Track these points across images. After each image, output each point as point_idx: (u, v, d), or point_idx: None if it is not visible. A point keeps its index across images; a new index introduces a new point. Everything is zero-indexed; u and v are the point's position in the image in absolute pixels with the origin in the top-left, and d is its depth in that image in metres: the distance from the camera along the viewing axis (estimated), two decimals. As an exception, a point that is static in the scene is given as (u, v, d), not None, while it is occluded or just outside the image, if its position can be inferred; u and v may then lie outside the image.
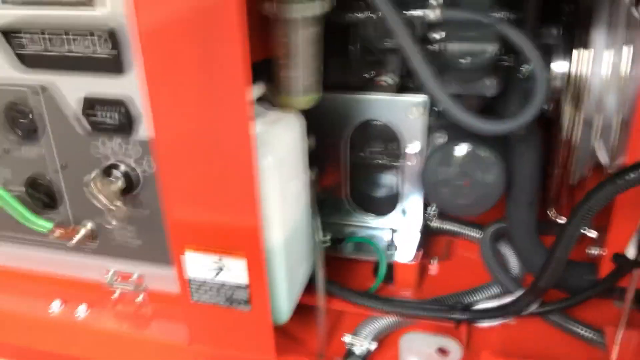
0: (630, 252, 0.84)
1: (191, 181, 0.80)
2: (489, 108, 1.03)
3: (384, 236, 1.18)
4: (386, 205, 1.21)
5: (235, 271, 0.85)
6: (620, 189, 0.70)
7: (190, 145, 0.78)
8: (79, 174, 0.93)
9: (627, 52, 0.86)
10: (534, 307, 0.91)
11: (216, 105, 0.74)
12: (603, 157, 0.98)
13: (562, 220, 1.05)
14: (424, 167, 0.98)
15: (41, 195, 0.98)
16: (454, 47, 0.82)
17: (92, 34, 0.79)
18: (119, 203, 0.88)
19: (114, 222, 0.93)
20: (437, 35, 0.90)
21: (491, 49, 0.81)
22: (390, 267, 1.14)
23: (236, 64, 0.70)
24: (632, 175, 0.69)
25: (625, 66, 0.88)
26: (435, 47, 0.92)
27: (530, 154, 0.96)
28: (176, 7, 0.69)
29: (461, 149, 0.96)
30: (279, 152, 0.83)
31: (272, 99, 0.92)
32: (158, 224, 0.93)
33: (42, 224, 0.96)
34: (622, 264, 0.85)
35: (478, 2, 0.90)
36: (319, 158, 1.17)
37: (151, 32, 0.72)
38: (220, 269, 0.86)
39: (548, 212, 1.07)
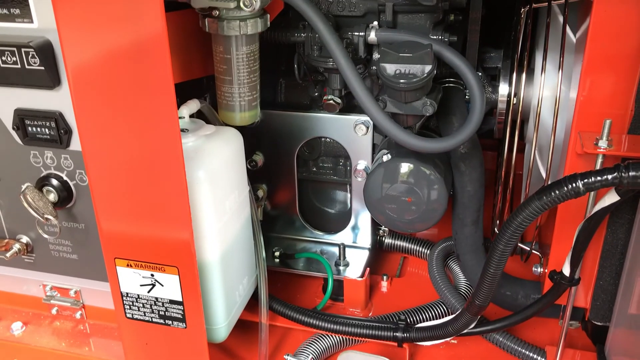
0: (566, 270, 0.84)
1: (122, 194, 0.79)
2: (435, 127, 1.04)
3: (336, 252, 1.17)
4: (338, 221, 1.20)
5: (168, 287, 0.84)
6: (546, 206, 0.70)
7: (119, 159, 0.77)
8: (13, 186, 0.91)
9: (560, 74, 0.87)
10: (472, 326, 0.90)
11: (144, 119, 0.73)
12: (543, 174, 0.99)
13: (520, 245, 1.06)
14: (366, 183, 0.98)
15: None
16: (391, 68, 0.82)
17: (21, 48, 0.78)
18: (50, 216, 0.86)
19: (45, 236, 0.91)
20: (377, 55, 0.91)
21: (428, 70, 0.81)
22: (340, 283, 1.13)
23: (162, 81, 0.70)
24: (556, 192, 0.69)
25: (559, 87, 0.89)
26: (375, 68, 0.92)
27: (473, 173, 0.97)
28: (103, 27, 0.69)
29: (403, 166, 0.95)
30: (212, 166, 0.82)
31: (210, 116, 0.92)
32: (94, 238, 0.92)
33: (-25, 238, 0.94)
34: (558, 282, 0.85)
35: (417, 25, 0.91)
36: (269, 174, 1.17)
37: (77, 49, 0.71)
38: (154, 285, 0.85)
39: (495, 229, 1.07)
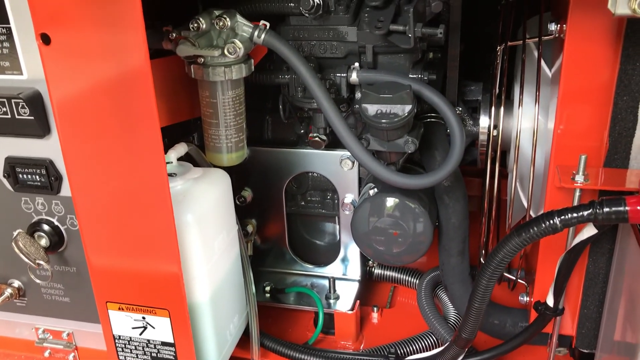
0: (550, 300, 0.86)
1: (112, 239, 0.80)
2: (418, 160, 1.06)
3: (326, 285, 1.18)
4: (327, 254, 1.22)
5: (160, 329, 0.85)
6: (526, 242, 0.72)
7: (109, 205, 0.78)
8: (4, 232, 0.93)
9: (536, 107, 0.90)
10: (461, 358, 0.92)
11: (132, 165, 0.75)
12: (524, 205, 1.01)
13: (506, 274, 1.07)
14: (353, 218, 1.00)
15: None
16: (373, 108, 0.85)
17: (11, 99, 0.80)
18: (42, 262, 0.87)
19: (37, 281, 0.92)
20: (359, 95, 0.94)
21: (408, 110, 0.84)
22: (331, 316, 1.14)
23: (149, 128, 0.72)
24: (535, 229, 0.71)
25: (535, 120, 0.92)
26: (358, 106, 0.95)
27: (456, 205, 0.99)
28: (90, 74, 0.71)
29: (389, 200, 0.97)
30: (200, 209, 0.84)
31: (198, 158, 0.94)
32: (85, 281, 0.92)
33: (-33, 284, 0.95)
34: (543, 312, 0.87)
35: (397, 65, 0.94)
36: (258, 210, 1.18)
37: (66, 99, 0.73)
38: (145, 327, 0.86)
39: (481, 260, 1.09)
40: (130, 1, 0.65)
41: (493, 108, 0.97)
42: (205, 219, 0.84)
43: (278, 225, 1.19)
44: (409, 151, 0.89)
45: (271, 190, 1.15)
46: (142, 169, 0.74)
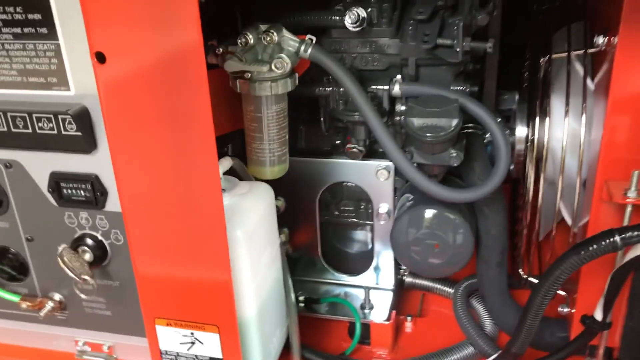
0: (598, 315, 0.86)
1: (162, 255, 0.80)
2: (454, 169, 1.06)
3: (359, 295, 1.18)
4: (359, 262, 1.21)
5: (208, 344, 0.85)
6: (585, 260, 0.72)
7: (160, 221, 0.78)
8: (47, 246, 0.92)
9: (584, 119, 0.89)
10: (506, 371, 0.92)
11: (186, 180, 0.75)
12: (567, 217, 1.00)
13: (532, 279, 1.07)
14: (392, 228, 1.00)
15: (6, 268, 0.97)
16: (418, 122, 0.84)
17: (57, 115, 0.80)
18: (87, 276, 0.87)
19: (82, 296, 0.92)
20: (402, 107, 0.93)
21: (455, 123, 0.83)
22: (366, 327, 1.14)
23: (204, 141, 0.72)
24: (594, 246, 0.71)
25: (582, 132, 0.91)
26: (401, 118, 0.94)
27: (496, 217, 0.98)
28: (144, 90, 0.71)
29: (429, 212, 0.97)
30: (249, 224, 0.83)
31: (241, 172, 0.94)
32: (128, 295, 0.92)
33: (8, 297, 0.95)
34: (590, 326, 0.87)
35: (439, 77, 0.93)
36: (290, 218, 1.18)
37: (119, 115, 0.73)
38: (193, 342, 0.85)
39: (519, 270, 1.09)
40: (189, 22, 0.65)
41: (537, 119, 0.96)
42: (253, 234, 0.84)
43: (310, 234, 1.19)
44: (454, 164, 0.89)
45: (305, 199, 1.14)
46: (196, 184, 0.74)
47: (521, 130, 1.06)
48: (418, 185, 0.88)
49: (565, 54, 0.91)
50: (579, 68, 0.95)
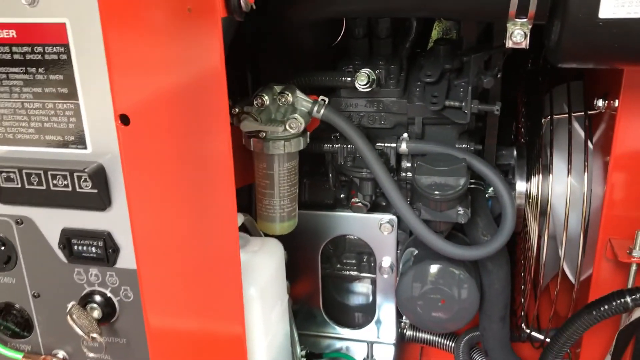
0: (604, 372, 0.87)
1: (176, 310, 0.80)
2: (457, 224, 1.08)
3: (361, 349, 1.18)
4: (360, 316, 1.21)
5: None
6: (596, 319, 0.74)
7: (176, 275, 0.78)
8: (53, 302, 0.91)
9: (585, 176, 0.92)
10: None
11: (205, 235, 0.75)
12: (568, 272, 1.03)
13: (536, 334, 1.08)
14: (398, 283, 1.00)
15: (10, 324, 0.96)
16: (427, 180, 0.87)
17: (73, 172, 0.81)
18: (96, 334, 0.86)
19: (90, 354, 0.91)
20: (408, 164, 0.96)
21: (462, 182, 0.86)
22: (369, 381, 1.14)
23: (226, 196, 0.72)
24: (606, 307, 0.73)
25: (584, 188, 0.94)
26: (408, 175, 0.97)
27: (500, 272, 1.00)
28: (167, 154, 0.72)
29: (434, 267, 0.99)
30: (261, 281, 0.84)
31: (251, 227, 0.95)
32: (135, 352, 0.91)
33: (10, 355, 0.93)
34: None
35: (445, 135, 0.96)
36: (293, 271, 1.18)
37: (140, 175, 0.74)
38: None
39: (522, 325, 1.10)
40: (216, 89, 0.66)
41: (540, 176, 0.99)
42: (265, 291, 0.84)
43: (312, 286, 1.19)
44: (462, 222, 0.91)
45: (307, 252, 1.15)
46: (215, 240, 0.75)
47: (521, 185, 1.09)
48: (427, 242, 0.90)
49: (566, 115, 0.95)
50: (577, 127, 0.98)
